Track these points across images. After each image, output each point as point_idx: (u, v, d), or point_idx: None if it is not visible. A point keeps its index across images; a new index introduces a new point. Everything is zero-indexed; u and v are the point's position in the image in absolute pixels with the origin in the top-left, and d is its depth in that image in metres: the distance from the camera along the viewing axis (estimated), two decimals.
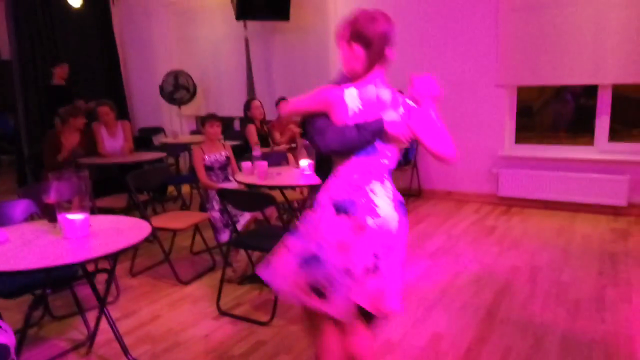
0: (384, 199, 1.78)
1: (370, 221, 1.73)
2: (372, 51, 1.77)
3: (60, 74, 6.18)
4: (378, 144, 1.78)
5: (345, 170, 1.80)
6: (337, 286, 1.73)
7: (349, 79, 1.83)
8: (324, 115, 1.79)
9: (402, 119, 1.78)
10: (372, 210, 1.74)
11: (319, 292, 1.76)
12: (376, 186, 1.79)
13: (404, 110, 1.81)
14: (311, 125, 1.82)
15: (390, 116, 1.75)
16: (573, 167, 5.06)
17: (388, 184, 1.83)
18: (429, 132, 1.78)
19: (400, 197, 1.87)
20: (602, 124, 5.09)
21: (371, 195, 1.77)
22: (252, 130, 5.25)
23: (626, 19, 4.67)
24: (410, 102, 1.83)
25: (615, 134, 5.18)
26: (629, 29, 4.67)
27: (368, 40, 1.76)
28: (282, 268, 1.86)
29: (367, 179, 1.78)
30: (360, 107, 1.76)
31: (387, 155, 1.82)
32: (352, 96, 1.77)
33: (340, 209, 1.75)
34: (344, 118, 1.76)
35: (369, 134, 1.72)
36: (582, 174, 5.01)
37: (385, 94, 1.81)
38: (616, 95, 5.01)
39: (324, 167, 1.93)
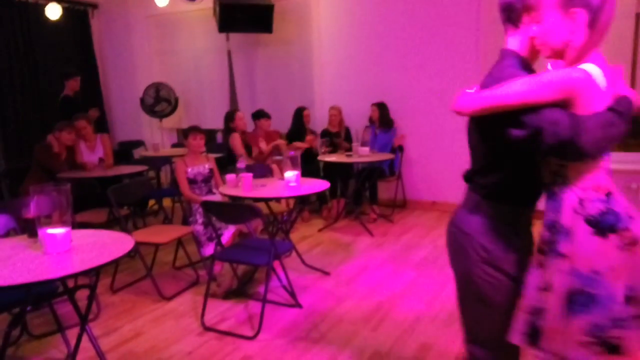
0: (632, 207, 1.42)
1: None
2: (598, 20, 1.33)
3: (72, 86, 6.06)
4: None
5: (590, 178, 1.39)
6: (629, 330, 1.33)
7: (529, 62, 1.41)
8: (556, 107, 1.32)
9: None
10: (637, 220, 1.39)
11: (608, 345, 1.34)
12: (619, 192, 1.41)
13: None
14: (556, 120, 1.30)
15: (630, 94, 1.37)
16: None
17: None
18: None
19: None
20: None
21: (624, 202, 1.39)
22: (237, 140, 5.11)
23: None
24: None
25: None
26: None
27: (596, 5, 1.32)
28: (544, 322, 1.42)
29: (612, 183, 1.41)
30: (605, 87, 1.35)
31: (609, 153, 1.42)
32: (597, 75, 1.35)
33: (600, 226, 1.36)
34: (596, 105, 1.33)
35: (626, 118, 1.32)
36: None
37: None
38: None
39: (532, 182, 1.52)
